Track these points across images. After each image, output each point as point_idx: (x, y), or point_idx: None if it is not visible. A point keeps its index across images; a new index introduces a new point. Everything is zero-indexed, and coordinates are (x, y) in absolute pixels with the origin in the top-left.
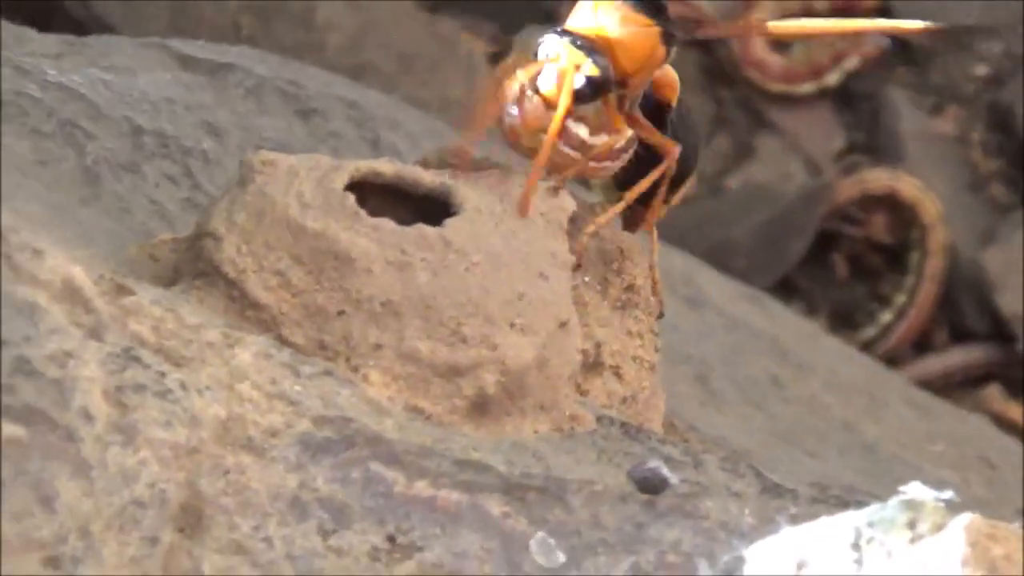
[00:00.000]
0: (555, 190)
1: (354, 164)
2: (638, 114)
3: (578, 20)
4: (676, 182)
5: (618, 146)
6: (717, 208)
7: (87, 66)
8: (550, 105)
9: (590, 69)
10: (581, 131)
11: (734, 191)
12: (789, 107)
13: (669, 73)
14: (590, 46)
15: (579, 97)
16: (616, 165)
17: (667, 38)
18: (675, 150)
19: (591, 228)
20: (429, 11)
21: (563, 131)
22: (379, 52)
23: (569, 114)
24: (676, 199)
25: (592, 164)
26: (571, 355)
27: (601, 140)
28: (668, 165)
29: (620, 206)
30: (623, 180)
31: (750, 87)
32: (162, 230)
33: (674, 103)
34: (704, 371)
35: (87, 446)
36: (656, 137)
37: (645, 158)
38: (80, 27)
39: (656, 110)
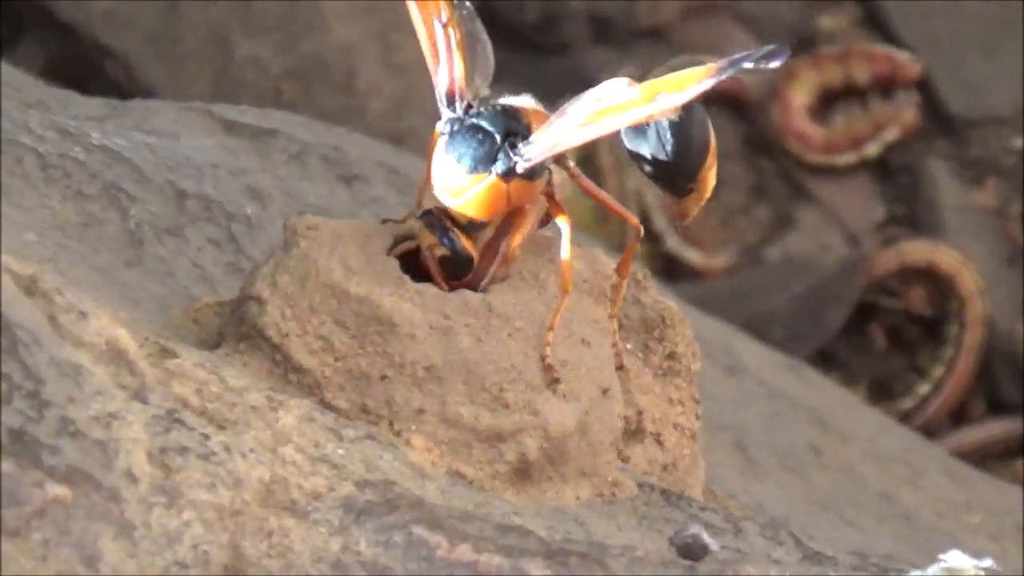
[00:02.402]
0: None
1: (397, 229)
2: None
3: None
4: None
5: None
6: (756, 278)
7: (131, 129)
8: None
9: (441, 250)
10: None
11: (773, 262)
12: (829, 178)
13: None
14: (443, 225)
15: (448, 272)
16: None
17: (508, 175)
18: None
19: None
20: None
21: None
22: (420, 118)
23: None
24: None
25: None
26: (613, 421)
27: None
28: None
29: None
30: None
31: (790, 158)
32: (205, 294)
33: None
34: (743, 439)
35: (131, 507)
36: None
37: None
38: (120, 90)
39: None
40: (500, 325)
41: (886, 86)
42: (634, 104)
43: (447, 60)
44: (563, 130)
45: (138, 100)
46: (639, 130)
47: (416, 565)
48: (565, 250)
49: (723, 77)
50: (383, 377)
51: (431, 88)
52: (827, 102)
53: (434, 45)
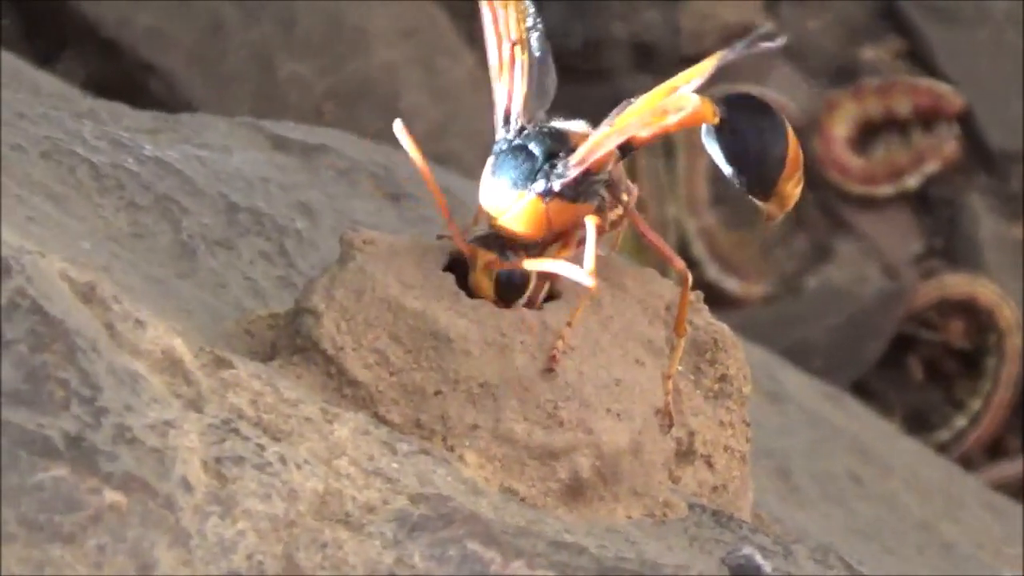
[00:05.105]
0: None
1: (452, 245)
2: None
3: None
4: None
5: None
6: (795, 308)
7: (181, 142)
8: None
9: (500, 265)
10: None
11: (812, 292)
12: (868, 210)
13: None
14: (501, 244)
15: (500, 294)
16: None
17: (547, 195)
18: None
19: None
20: None
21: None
22: (462, 141)
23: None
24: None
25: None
26: (665, 442)
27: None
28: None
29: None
30: None
31: (830, 188)
32: (256, 306)
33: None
34: (785, 466)
35: (186, 515)
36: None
37: None
38: (163, 107)
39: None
40: (555, 342)
41: (927, 119)
42: (649, 103)
43: (508, 81)
44: (591, 141)
45: (188, 114)
46: (717, 137)
47: None
48: (589, 254)
49: (726, 60)
50: (437, 392)
51: (473, 112)
52: (868, 134)
53: (500, 64)
